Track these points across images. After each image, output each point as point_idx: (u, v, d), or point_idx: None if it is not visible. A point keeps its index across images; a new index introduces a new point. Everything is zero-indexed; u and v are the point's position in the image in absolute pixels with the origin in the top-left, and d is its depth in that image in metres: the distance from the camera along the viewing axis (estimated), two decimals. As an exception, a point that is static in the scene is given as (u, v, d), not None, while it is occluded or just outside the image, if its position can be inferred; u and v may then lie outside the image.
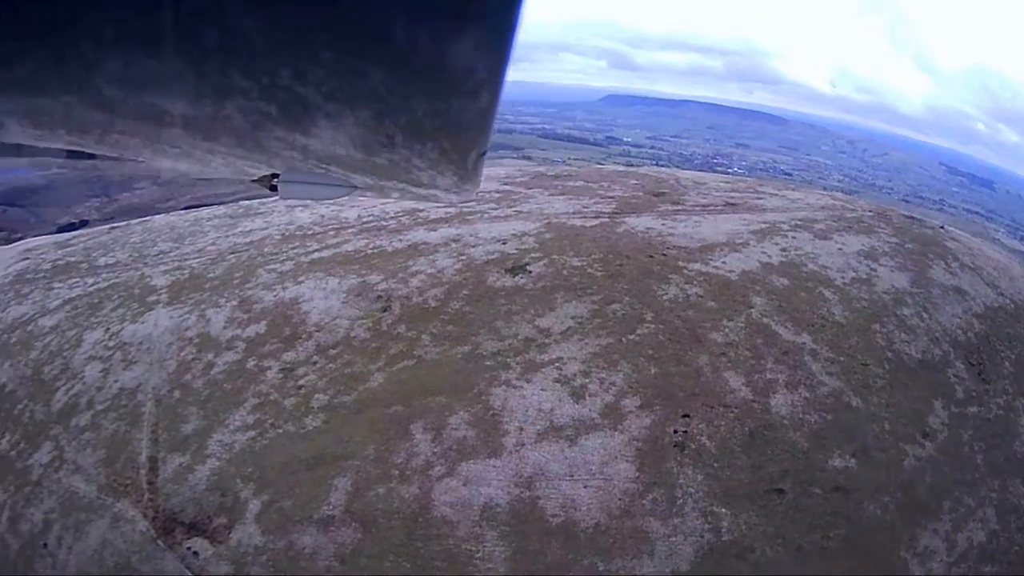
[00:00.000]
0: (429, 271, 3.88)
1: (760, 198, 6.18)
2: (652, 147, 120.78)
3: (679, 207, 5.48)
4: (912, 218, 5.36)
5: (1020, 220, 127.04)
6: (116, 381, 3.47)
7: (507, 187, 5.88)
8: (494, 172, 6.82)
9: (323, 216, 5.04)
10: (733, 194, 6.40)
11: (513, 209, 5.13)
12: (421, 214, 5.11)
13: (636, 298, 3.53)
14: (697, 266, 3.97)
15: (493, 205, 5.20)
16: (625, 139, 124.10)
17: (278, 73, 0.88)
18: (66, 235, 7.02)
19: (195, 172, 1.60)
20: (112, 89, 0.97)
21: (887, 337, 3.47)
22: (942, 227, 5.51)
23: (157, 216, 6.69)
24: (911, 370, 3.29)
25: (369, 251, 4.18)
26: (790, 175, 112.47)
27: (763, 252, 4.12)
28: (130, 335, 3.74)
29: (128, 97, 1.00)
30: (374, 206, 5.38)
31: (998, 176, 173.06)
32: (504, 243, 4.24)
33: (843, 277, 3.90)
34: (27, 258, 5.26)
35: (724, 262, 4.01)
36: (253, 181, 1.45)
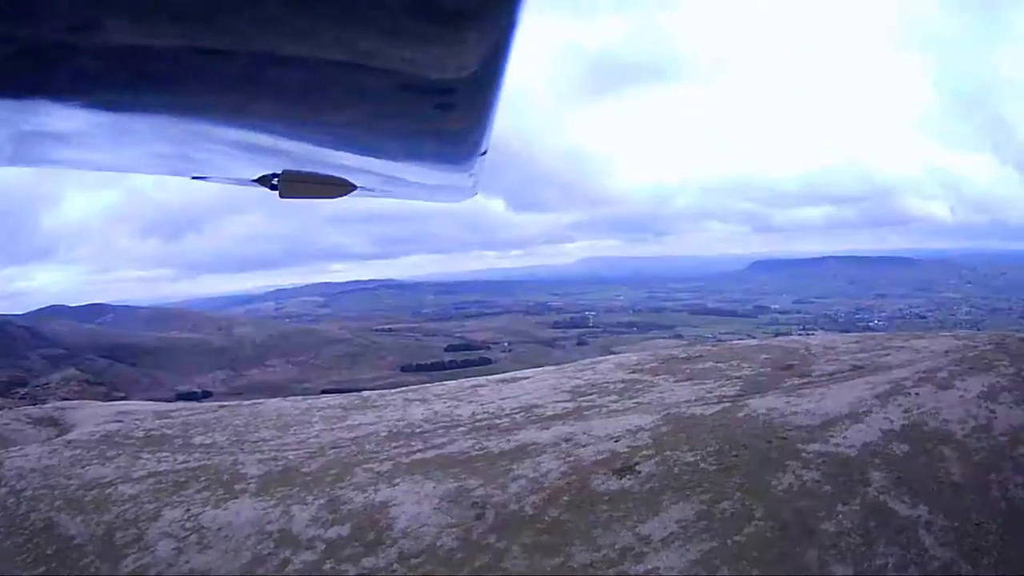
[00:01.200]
0: (532, 475, 3.60)
1: (887, 354, 6.42)
2: (798, 311, 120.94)
3: (806, 379, 5.56)
4: None
5: None
6: (187, 562, 3.44)
7: (633, 375, 6.00)
8: (625, 360, 6.97)
9: (436, 413, 5.05)
10: (861, 355, 6.64)
11: (633, 401, 5.08)
12: (537, 410, 5.09)
13: (748, 492, 3.46)
14: (816, 446, 3.91)
15: (614, 397, 5.19)
16: (773, 307, 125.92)
17: (278, 73, 0.86)
18: (168, 405, 7.36)
19: (193, 172, 1.58)
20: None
21: (1002, 486, 3.43)
22: None
23: (272, 400, 6.97)
24: (1026, 517, 3.14)
25: (474, 452, 4.03)
26: (924, 318, 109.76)
27: (886, 418, 4.12)
28: (210, 520, 3.73)
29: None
30: (492, 402, 5.44)
31: None
32: (616, 440, 4.06)
33: (963, 428, 3.90)
34: (120, 420, 5.48)
35: (845, 437, 3.98)
36: (254, 181, 1.43)
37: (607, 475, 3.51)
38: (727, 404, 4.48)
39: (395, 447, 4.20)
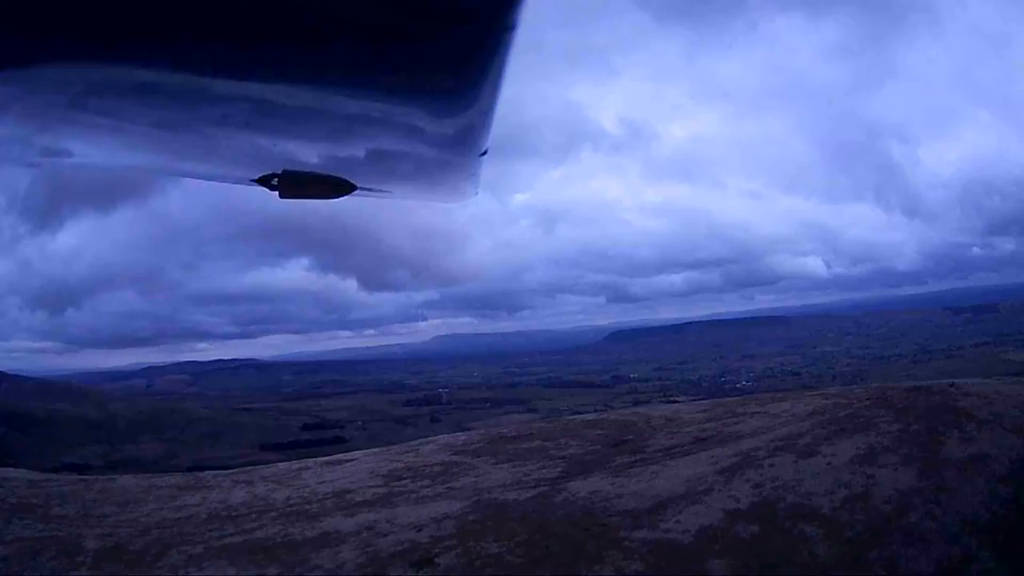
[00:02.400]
0: (329, 565, 3.57)
1: (738, 422, 5.76)
2: (659, 379, 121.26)
3: (638, 457, 5.07)
4: (916, 389, 4.86)
5: None
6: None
7: (455, 457, 5.76)
8: (452, 440, 6.64)
9: (255, 496, 4.90)
10: (707, 425, 5.99)
11: (446, 486, 4.89)
12: (348, 496, 4.88)
13: (556, 590, 3.20)
14: (642, 533, 3.55)
15: (427, 482, 5.03)
16: (632, 375, 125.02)
17: (279, 73, 0.87)
18: (43, 475, 7.21)
19: (202, 174, 1.58)
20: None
21: (889, 561, 3.01)
22: (952, 385, 4.93)
23: (124, 477, 6.85)
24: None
25: (279, 540, 3.95)
26: (798, 374, 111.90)
27: (730, 496, 3.67)
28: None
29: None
30: (308, 486, 5.20)
31: (1001, 295, 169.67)
32: (419, 530, 3.93)
33: (832, 501, 3.44)
34: (1, 486, 5.39)
35: (678, 521, 3.58)
36: (254, 181, 1.41)
37: (404, 567, 3.43)
38: (544, 488, 4.42)
39: (210, 530, 4.19)
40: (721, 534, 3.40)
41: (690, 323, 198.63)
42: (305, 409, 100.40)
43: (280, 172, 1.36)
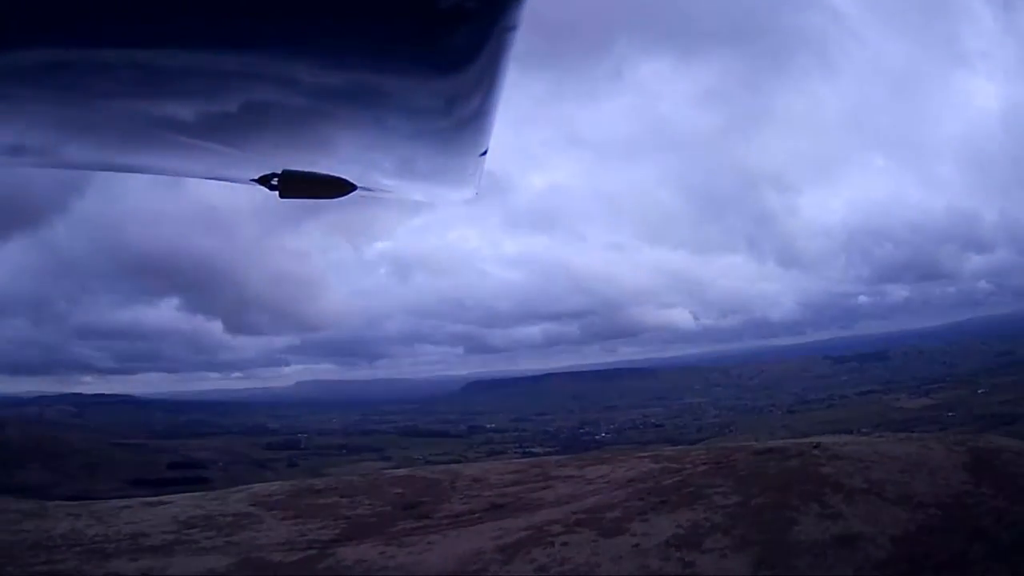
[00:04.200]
0: None
1: (546, 487, 5.40)
2: (516, 429, 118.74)
3: (423, 523, 4.87)
4: (769, 452, 4.32)
5: (921, 375, 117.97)
6: None
7: (252, 508, 5.85)
8: (261, 490, 6.57)
9: (75, 530, 4.80)
10: (511, 489, 5.53)
11: (226, 539, 4.99)
12: (143, 539, 4.69)
13: None
14: None
15: (213, 534, 5.14)
16: (488, 426, 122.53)
17: (281, 74, 0.87)
18: None
19: (200, 173, 1.58)
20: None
21: None
22: (816, 447, 4.31)
23: None
24: None
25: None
26: (661, 426, 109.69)
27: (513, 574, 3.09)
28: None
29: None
30: (115, 526, 4.98)
31: (891, 342, 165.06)
32: None
33: None
34: None
35: None
36: (254, 181, 1.39)
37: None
38: (314, 552, 4.56)
39: (30, 557, 4.61)
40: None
41: (549, 375, 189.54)
42: (173, 448, 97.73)
43: (280, 172, 1.33)
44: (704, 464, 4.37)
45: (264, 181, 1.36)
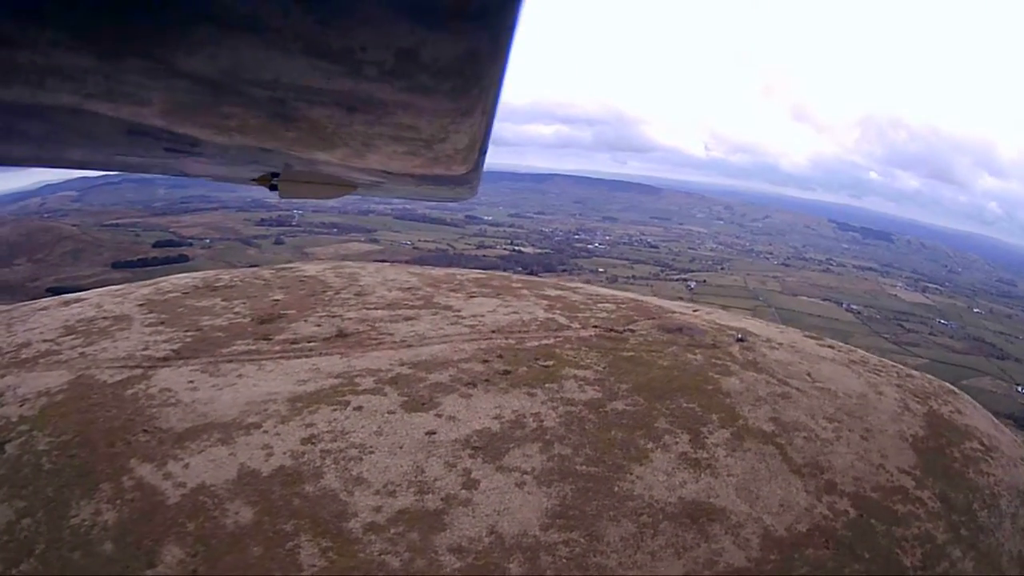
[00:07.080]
0: None
1: (411, 317, 5.22)
2: (512, 225, 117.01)
3: (258, 344, 4.79)
4: (679, 331, 3.92)
5: (921, 270, 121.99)
6: None
7: (133, 310, 5.50)
8: (167, 286, 6.06)
9: None
10: (378, 312, 5.37)
11: (80, 351, 4.96)
12: (26, 349, 4.84)
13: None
14: (147, 469, 3.38)
15: (80, 342, 5.02)
16: (486, 218, 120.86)
17: (283, 76, 0.88)
18: None
19: (211, 173, 1.59)
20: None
21: None
22: (740, 339, 3.82)
23: None
24: None
25: None
26: (656, 247, 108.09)
27: (282, 438, 3.18)
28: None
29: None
30: (18, 332, 5.18)
31: (896, 226, 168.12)
32: (21, 404, 4.38)
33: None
34: None
35: (187, 464, 3.27)
36: (254, 180, 1.39)
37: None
38: (137, 373, 4.60)
39: None
40: (219, 502, 2.81)
41: (555, 175, 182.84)
42: (164, 225, 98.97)
43: (280, 172, 1.31)
44: (596, 328, 3.55)
45: (264, 181, 1.36)
